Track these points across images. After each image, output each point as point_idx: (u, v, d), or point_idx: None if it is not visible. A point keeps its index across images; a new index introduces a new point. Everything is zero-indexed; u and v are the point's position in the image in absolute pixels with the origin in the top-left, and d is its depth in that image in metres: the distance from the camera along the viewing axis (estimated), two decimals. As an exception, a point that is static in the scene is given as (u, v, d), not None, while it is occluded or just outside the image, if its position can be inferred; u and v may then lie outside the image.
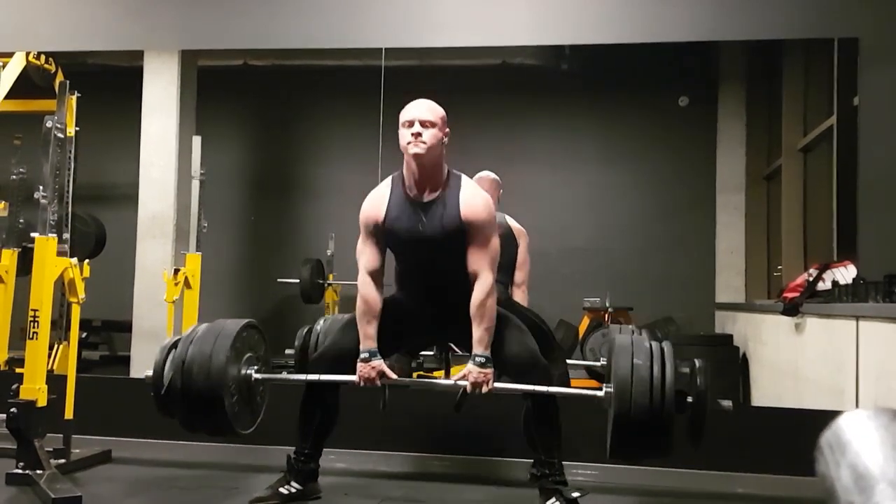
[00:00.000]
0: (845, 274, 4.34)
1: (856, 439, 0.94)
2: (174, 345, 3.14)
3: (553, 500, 2.99)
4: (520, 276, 4.12)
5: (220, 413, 2.98)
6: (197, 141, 5.61)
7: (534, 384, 2.95)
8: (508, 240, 4.07)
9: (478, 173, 4.27)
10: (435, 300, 3.09)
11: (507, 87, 7.73)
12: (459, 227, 2.93)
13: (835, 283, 4.33)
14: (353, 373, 3.07)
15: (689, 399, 2.77)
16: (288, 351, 4.58)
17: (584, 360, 6.92)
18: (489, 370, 2.92)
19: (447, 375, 3.67)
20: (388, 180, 3.08)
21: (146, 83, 6.52)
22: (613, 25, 4.57)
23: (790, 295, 4.70)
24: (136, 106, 6.51)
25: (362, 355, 3.00)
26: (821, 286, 4.45)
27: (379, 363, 3.00)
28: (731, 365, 6.24)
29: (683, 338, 6.66)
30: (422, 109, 2.98)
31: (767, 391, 5.70)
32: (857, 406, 3.72)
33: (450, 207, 2.95)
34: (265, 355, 3.30)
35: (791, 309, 4.62)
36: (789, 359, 5.02)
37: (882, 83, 4.22)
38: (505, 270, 3.92)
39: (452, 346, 3.56)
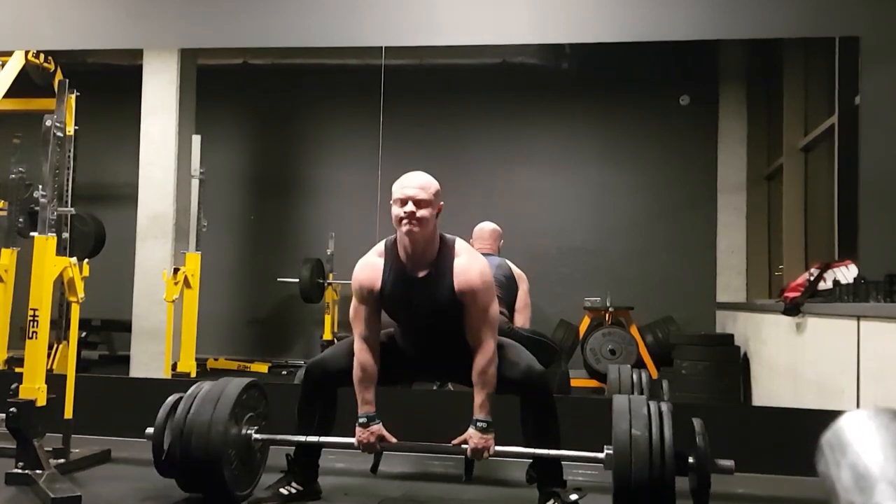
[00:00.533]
0: (846, 273, 4.33)
1: (856, 439, 0.94)
2: (175, 405, 3.13)
3: (552, 501, 2.99)
4: (520, 319, 4.19)
5: (219, 480, 2.98)
6: (196, 140, 5.62)
7: (533, 396, 2.99)
8: (510, 282, 4.17)
9: (478, 224, 4.36)
10: (432, 353, 3.13)
11: (508, 86, 7.73)
12: (454, 301, 2.92)
13: (836, 282, 4.32)
14: (341, 385, 3.12)
15: (691, 460, 2.77)
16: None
17: (584, 361, 6.94)
18: (490, 436, 2.93)
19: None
20: (381, 247, 3.04)
21: (146, 82, 6.52)
22: (614, 24, 4.57)
23: (791, 294, 4.70)
24: (136, 105, 6.51)
25: (360, 420, 3.01)
26: (822, 286, 4.45)
27: (377, 428, 3.02)
28: (732, 365, 6.24)
29: (684, 337, 6.67)
30: (415, 188, 2.89)
31: (768, 391, 5.69)
32: (857, 406, 3.71)
33: (443, 282, 2.93)
34: (266, 416, 3.28)
35: (792, 309, 4.62)
36: (790, 358, 5.01)
37: (883, 82, 4.22)
38: (507, 306, 4.04)
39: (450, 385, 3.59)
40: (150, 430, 3.12)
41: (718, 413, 4.27)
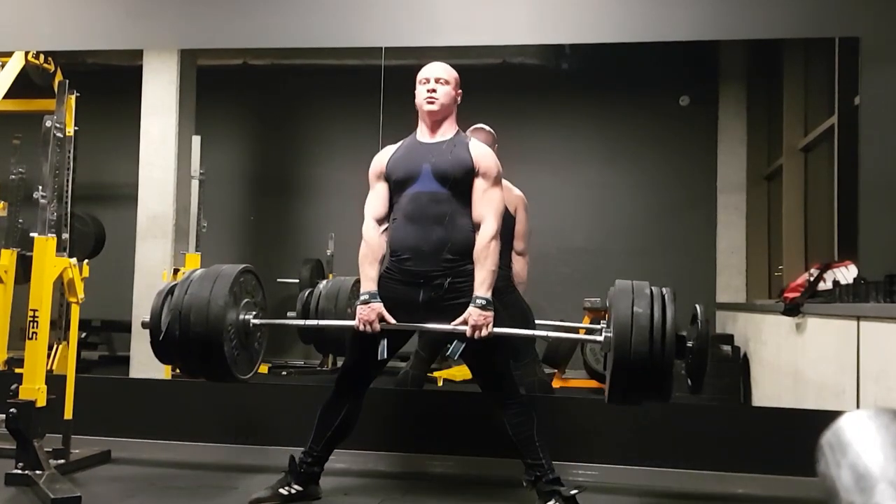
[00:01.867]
0: (846, 274, 4.33)
1: (856, 439, 0.94)
2: (170, 290, 3.12)
3: (553, 501, 2.99)
4: (520, 245, 4.09)
5: (219, 358, 2.96)
6: (196, 140, 5.62)
7: (501, 405, 3.07)
8: (506, 214, 3.97)
9: (473, 125, 4.20)
10: (427, 257, 3.02)
11: (508, 86, 7.73)
12: (469, 167, 3.03)
13: (836, 283, 4.32)
14: (376, 370, 3.14)
15: (690, 344, 2.76)
16: (290, 313, 4.58)
17: (584, 361, 6.94)
18: (489, 313, 2.94)
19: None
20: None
21: (145, 83, 6.51)
22: (614, 25, 4.57)
23: (791, 295, 4.70)
24: (136, 105, 6.50)
25: (362, 297, 3.04)
26: (822, 286, 4.44)
27: (378, 305, 3.01)
28: (732, 365, 6.23)
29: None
30: (437, 69, 3.19)
31: (768, 391, 5.69)
32: (857, 406, 3.71)
33: (460, 148, 3.08)
34: (262, 301, 3.28)
35: (792, 309, 4.62)
36: (790, 359, 5.01)
37: (883, 83, 4.22)
38: (504, 239, 3.79)
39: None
40: (146, 318, 3.11)
41: (718, 413, 4.27)
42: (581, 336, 2.98)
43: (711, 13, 4.48)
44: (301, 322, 3.15)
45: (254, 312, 3.18)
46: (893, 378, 3.42)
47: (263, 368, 7.49)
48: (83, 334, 6.82)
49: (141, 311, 6.33)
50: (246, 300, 3.16)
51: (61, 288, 3.87)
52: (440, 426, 3.95)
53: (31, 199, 3.54)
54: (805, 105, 6.29)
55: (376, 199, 3.15)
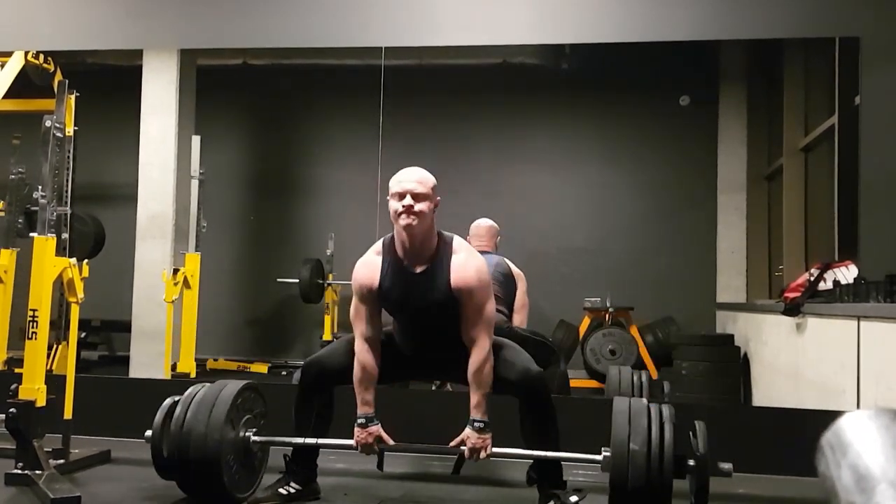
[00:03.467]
0: (846, 274, 4.33)
1: (857, 440, 0.94)
2: (173, 407, 3.13)
3: (552, 503, 2.98)
4: (517, 318, 4.19)
5: (218, 485, 2.97)
6: (196, 140, 5.62)
7: (530, 398, 2.99)
8: (508, 280, 4.15)
9: (475, 221, 4.33)
10: (429, 351, 3.13)
11: (508, 86, 7.73)
12: (451, 297, 2.92)
13: (836, 282, 4.32)
14: (338, 384, 3.13)
15: (691, 463, 2.76)
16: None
17: (584, 361, 6.94)
18: (487, 435, 2.93)
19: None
20: (379, 245, 3.04)
21: (145, 82, 6.51)
22: (614, 24, 4.57)
23: (791, 295, 4.70)
24: (136, 105, 6.51)
25: (359, 421, 3.01)
26: (822, 286, 4.44)
27: (376, 429, 3.02)
28: (732, 365, 6.24)
29: (684, 338, 6.66)
30: (413, 182, 2.90)
31: (768, 391, 5.69)
32: (858, 406, 3.71)
33: (440, 279, 2.93)
34: (263, 415, 3.28)
35: (792, 309, 4.61)
36: (790, 359, 5.01)
37: (883, 82, 4.22)
38: (505, 305, 4.01)
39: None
40: (149, 433, 3.12)
41: (719, 413, 4.27)
42: (576, 455, 2.97)
43: (711, 13, 4.48)
44: (300, 440, 3.14)
45: (254, 429, 3.17)
46: (894, 378, 3.41)
47: (263, 368, 7.50)
48: (83, 334, 6.82)
49: (140, 310, 6.34)
50: (246, 417, 3.15)
51: (61, 288, 3.87)
52: (440, 426, 3.94)
53: (31, 198, 3.54)
54: (805, 105, 6.29)
55: (367, 320, 3.02)
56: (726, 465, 2.81)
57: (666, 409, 2.82)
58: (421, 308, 2.97)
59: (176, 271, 5.30)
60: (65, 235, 3.63)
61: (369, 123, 5.66)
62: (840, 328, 4.01)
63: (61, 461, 3.53)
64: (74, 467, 3.59)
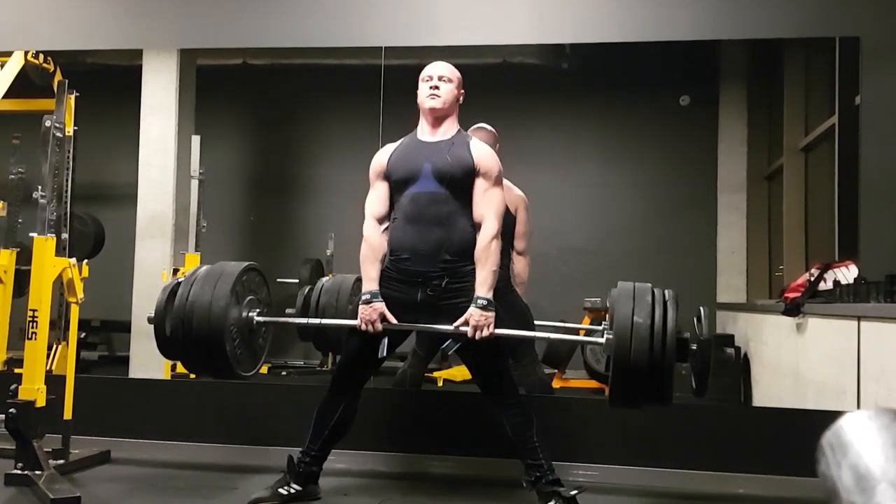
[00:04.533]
0: (847, 274, 4.33)
1: (857, 440, 0.93)
2: (175, 287, 3.13)
3: (553, 502, 2.98)
4: (520, 244, 4.10)
5: (222, 356, 2.98)
6: (196, 140, 5.61)
7: (501, 405, 3.07)
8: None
9: (475, 125, 4.22)
10: (426, 260, 3.02)
11: (508, 86, 7.72)
12: (469, 167, 3.02)
13: (836, 283, 4.31)
14: (373, 367, 3.14)
15: (693, 346, 2.75)
16: (289, 311, 4.57)
17: (584, 361, 6.93)
18: (491, 313, 2.94)
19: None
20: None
21: (145, 82, 6.50)
22: (614, 24, 4.56)
23: (791, 295, 4.69)
24: (135, 105, 6.50)
25: (364, 297, 3.04)
26: (822, 286, 4.44)
27: (380, 305, 3.02)
28: (733, 365, 6.23)
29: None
30: (441, 67, 3.18)
31: (768, 391, 5.68)
32: (858, 407, 3.71)
33: (460, 147, 3.06)
34: (266, 298, 3.30)
35: (792, 309, 4.61)
36: (790, 359, 5.01)
37: (884, 82, 4.21)
38: (505, 238, 3.83)
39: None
40: (150, 314, 3.12)
41: (718, 413, 4.26)
42: (581, 338, 2.97)
43: (711, 13, 4.48)
44: (304, 320, 3.17)
45: (257, 310, 3.18)
46: (894, 378, 3.41)
47: (263, 369, 7.49)
48: (82, 334, 6.80)
49: (140, 310, 6.32)
50: (249, 297, 3.17)
51: (61, 288, 3.87)
52: (440, 426, 3.95)
53: (31, 198, 3.54)
54: (805, 105, 6.28)
55: (377, 198, 3.14)
56: (730, 350, 2.83)
57: (669, 293, 2.83)
58: (435, 172, 3.01)
59: (176, 271, 5.30)
60: (65, 235, 3.63)
61: (369, 123, 5.65)
62: (840, 328, 4.01)
63: (61, 461, 3.53)
64: (74, 467, 3.59)
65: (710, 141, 7.65)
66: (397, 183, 3.07)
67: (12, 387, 3.36)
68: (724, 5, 4.47)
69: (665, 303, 2.75)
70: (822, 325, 4.40)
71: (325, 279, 4.47)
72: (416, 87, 3.21)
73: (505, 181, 4.10)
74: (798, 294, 4.61)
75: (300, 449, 3.22)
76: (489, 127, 4.23)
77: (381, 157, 3.17)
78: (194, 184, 5.53)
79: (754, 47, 7.21)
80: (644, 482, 3.61)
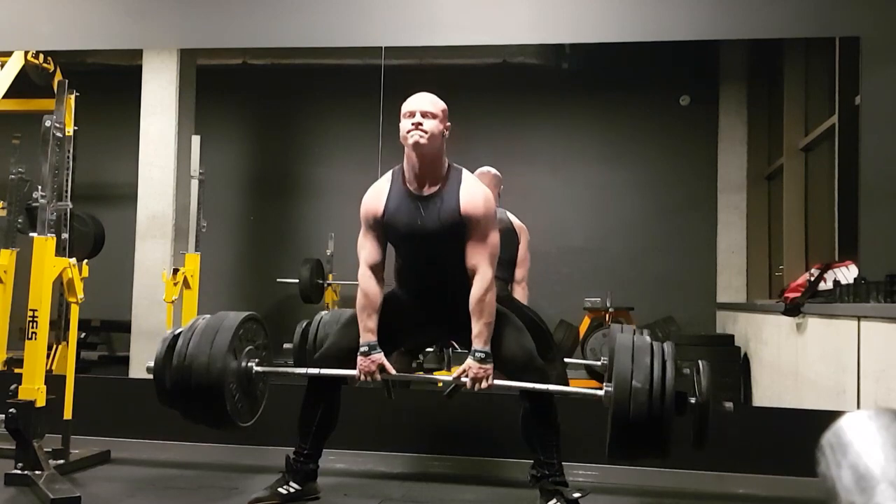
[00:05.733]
0: (847, 274, 4.33)
1: (857, 440, 0.93)
2: (176, 337, 3.13)
3: (554, 501, 2.98)
4: (520, 273, 4.12)
5: (221, 407, 2.98)
6: (196, 140, 5.60)
7: (528, 379, 2.96)
8: (509, 236, 4.06)
9: (479, 168, 4.27)
10: (434, 296, 3.08)
11: (508, 86, 7.72)
12: (458, 222, 2.92)
13: (836, 282, 4.31)
14: (354, 369, 3.09)
15: (692, 400, 2.75)
16: (286, 345, 4.58)
17: (584, 360, 6.93)
18: (489, 366, 2.92)
19: (449, 370, 3.62)
20: (389, 174, 3.08)
21: (145, 82, 6.51)
22: (614, 24, 4.56)
23: (791, 295, 4.69)
24: (135, 105, 6.50)
25: (362, 349, 3.00)
26: (822, 286, 4.44)
27: (379, 357, 3.00)
28: (733, 365, 6.23)
29: (684, 338, 6.66)
30: (423, 101, 2.99)
31: (768, 391, 5.69)
32: (858, 406, 3.71)
33: (448, 201, 2.94)
34: (266, 347, 3.30)
35: (792, 309, 4.61)
36: (790, 359, 5.01)
37: (884, 82, 4.21)
38: (505, 267, 3.92)
39: (453, 343, 3.54)
40: (150, 363, 3.12)
41: (719, 414, 4.26)
42: (581, 390, 2.97)
43: (711, 13, 4.48)
44: (303, 371, 3.14)
45: (256, 359, 3.17)
46: (894, 378, 3.41)
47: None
48: (83, 334, 6.81)
49: (140, 310, 6.33)
50: (248, 348, 3.17)
51: (61, 288, 3.86)
52: (440, 426, 3.95)
53: (31, 198, 3.54)
54: (806, 105, 6.28)
55: (371, 246, 3.03)
56: (728, 404, 2.83)
57: (668, 347, 2.82)
58: (427, 232, 2.95)
59: (176, 271, 5.28)
60: (65, 235, 3.63)
61: (369, 123, 5.65)
62: (840, 328, 4.01)
63: (61, 461, 3.53)
64: (74, 467, 3.59)
65: (710, 141, 7.65)
66: (395, 238, 3.05)
67: (12, 387, 3.35)
68: (724, 5, 4.47)
69: (664, 355, 2.75)
70: (822, 325, 4.40)
71: (323, 313, 4.46)
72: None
73: (507, 213, 4.16)
74: (798, 294, 4.61)
75: (293, 448, 3.22)
76: (493, 170, 4.26)
77: (376, 206, 3.01)
78: (194, 184, 5.51)
79: (754, 47, 7.21)
80: (644, 482, 3.61)
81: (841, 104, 4.97)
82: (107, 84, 6.64)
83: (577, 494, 2.99)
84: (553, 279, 7.38)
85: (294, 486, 3.16)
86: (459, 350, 3.15)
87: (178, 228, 6.30)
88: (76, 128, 3.71)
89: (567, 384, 4.59)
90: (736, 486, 3.53)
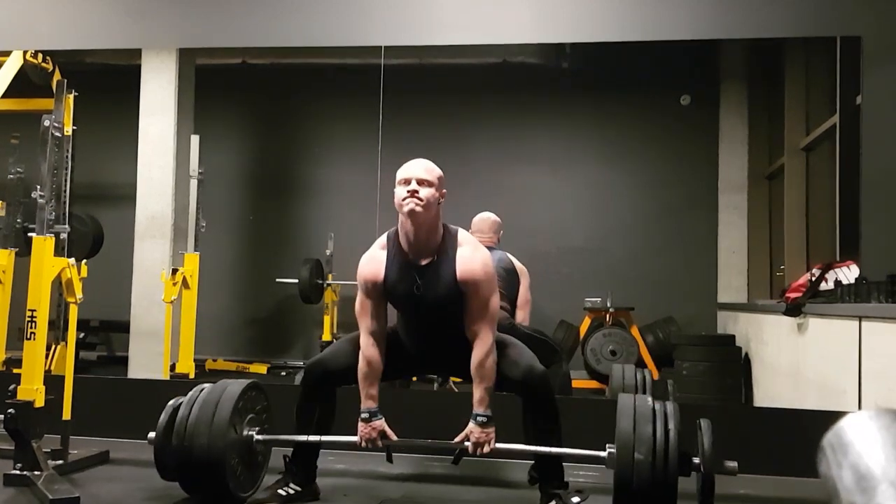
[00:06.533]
0: (848, 274, 4.32)
1: (858, 440, 0.93)
2: (176, 409, 3.12)
3: (554, 502, 2.98)
4: (520, 314, 4.18)
5: (221, 485, 2.97)
6: (195, 140, 5.60)
7: (534, 396, 2.98)
8: (511, 275, 4.15)
9: (478, 215, 4.32)
10: (434, 349, 3.12)
11: (508, 85, 7.73)
12: (456, 290, 2.91)
13: (837, 283, 4.31)
14: (342, 384, 3.13)
15: (696, 460, 2.75)
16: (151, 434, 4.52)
17: (584, 361, 6.93)
18: (490, 429, 2.92)
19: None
20: (384, 239, 3.03)
21: (144, 82, 6.51)
22: (615, 24, 4.56)
23: (792, 295, 4.69)
24: (134, 105, 6.51)
25: (363, 415, 3.00)
26: (823, 286, 4.43)
27: (380, 423, 3.00)
28: (734, 365, 6.23)
29: (685, 338, 6.66)
30: (419, 169, 2.92)
31: (769, 391, 5.68)
32: (859, 407, 3.70)
33: (446, 271, 2.92)
34: (266, 410, 3.28)
35: (793, 309, 4.60)
36: (791, 359, 5.00)
37: (885, 82, 4.21)
38: (508, 301, 4.00)
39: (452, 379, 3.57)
40: (152, 434, 3.11)
41: (720, 414, 4.26)
42: (580, 452, 2.96)
43: (711, 13, 4.47)
44: (303, 438, 3.13)
45: (257, 428, 3.17)
46: (895, 378, 3.40)
47: (262, 369, 7.49)
48: (81, 334, 6.82)
49: (139, 311, 6.33)
50: (250, 416, 3.16)
51: (59, 288, 3.86)
52: (440, 426, 3.94)
53: (30, 198, 3.53)
54: (806, 104, 6.28)
55: (373, 314, 3.01)
56: (731, 464, 2.81)
57: (670, 408, 2.81)
58: (426, 302, 2.95)
59: (175, 271, 5.28)
60: (63, 235, 3.62)
61: (369, 123, 5.65)
62: (841, 328, 4.00)
63: (60, 462, 3.52)
64: (73, 468, 3.58)
65: (711, 141, 7.66)
66: (394, 303, 3.06)
67: (11, 387, 3.35)
68: (724, 5, 4.47)
69: (666, 417, 2.75)
70: (822, 325, 4.39)
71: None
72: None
73: (508, 256, 4.17)
74: (799, 294, 4.60)
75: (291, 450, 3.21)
76: (493, 216, 4.32)
77: (375, 275, 2.98)
78: (193, 184, 5.52)
79: (755, 47, 7.21)
80: (644, 483, 3.60)
81: (842, 104, 4.97)
82: (106, 84, 6.65)
83: (576, 498, 2.98)
84: (553, 279, 7.38)
85: (294, 488, 3.15)
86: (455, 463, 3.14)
87: (178, 228, 6.30)
88: (75, 127, 3.71)
89: (570, 386, 4.61)
90: (738, 486, 3.52)
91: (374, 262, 3.00)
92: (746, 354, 6.30)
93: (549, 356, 3.85)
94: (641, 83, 7.63)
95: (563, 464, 3.06)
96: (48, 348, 4.49)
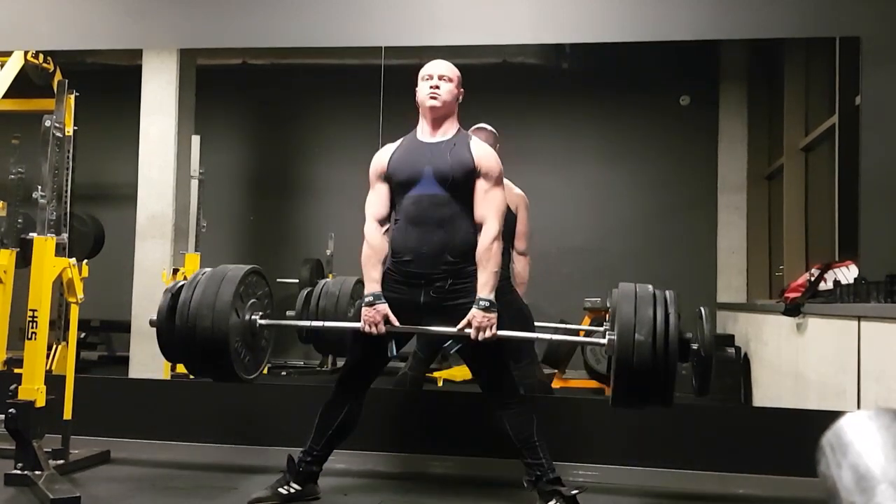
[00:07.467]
0: (847, 274, 4.32)
1: (857, 440, 0.93)
2: (178, 290, 3.13)
3: (553, 501, 2.98)
4: (521, 244, 4.10)
5: (225, 360, 2.99)
6: (196, 140, 5.61)
7: (502, 405, 3.08)
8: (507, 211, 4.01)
9: (475, 125, 4.22)
10: (429, 264, 3.02)
11: (508, 86, 7.72)
12: (470, 168, 3.01)
13: (836, 283, 4.31)
14: (379, 370, 3.17)
15: (694, 346, 2.76)
16: (289, 312, 4.55)
17: (584, 361, 6.92)
18: (493, 314, 2.94)
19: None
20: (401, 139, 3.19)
21: (145, 82, 6.50)
22: (614, 24, 4.56)
23: (792, 295, 4.69)
24: (135, 105, 6.50)
25: (367, 299, 3.03)
26: (822, 286, 4.44)
27: (383, 307, 3.01)
28: (733, 365, 6.22)
29: (684, 338, 6.64)
30: (441, 66, 3.15)
31: (769, 391, 5.68)
32: (858, 406, 3.70)
33: (460, 148, 3.06)
34: (268, 297, 3.31)
35: (792, 309, 4.61)
36: (790, 359, 5.01)
37: (884, 82, 4.21)
38: (505, 237, 3.84)
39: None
40: (153, 317, 3.13)
41: (719, 414, 4.26)
42: (582, 339, 2.98)
43: (711, 13, 4.47)
44: (307, 323, 3.16)
45: (260, 313, 3.19)
46: (894, 378, 3.41)
47: (263, 369, 7.48)
48: (82, 334, 6.81)
49: (140, 310, 6.32)
50: (252, 301, 3.17)
51: (60, 288, 3.86)
52: (440, 426, 3.95)
53: (31, 198, 3.54)
54: (806, 105, 6.28)
55: (377, 199, 3.13)
56: (731, 350, 2.85)
57: (669, 294, 2.82)
58: (436, 175, 3.01)
59: (176, 271, 5.29)
60: (64, 235, 3.62)
61: (369, 123, 5.65)
62: (840, 328, 4.01)
63: (61, 462, 3.53)
64: (74, 468, 3.59)
65: (711, 141, 7.65)
66: (398, 185, 3.07)
67: (12, 387, 3.35)
68: (724, 5, 4.47)
69: (666, 303, 2.75)
70: (822, 325, 4.40)
71: (324, 280, 4.43)
72: (416, 87, 3.20)
73: (505, 181, 4.10)
74: (798, 294, 4.61)
75: (301, 448, 3.22)
76: (490, 127, 4.23)
77: (382, 158, 3.14)
78: (194, 184, 5.53)
79: (755, 47, 7.21)
80: (644, 482, 3.61)
81: (841, 104, 4.97)
82: (106, 84, 6.64)
83: (575, 491, 3.00)
84: (553, 279, 7.37)
85: (294, 487, 3.16)
86: (448, 351, 3.13)
87: (178, 228, 6.30)
88: (76, 128, 3.71)
89: (549, 389, 4.56)
90: (736, 486, 3.53)
91: (385, 148, 3.20)
92: (746, 354, 6.30)
93: (528, 350, 3.84)
94: (641, 83, 7.63)
95: (563, 464, 3.08)
96: (49, 348, 4.49)
